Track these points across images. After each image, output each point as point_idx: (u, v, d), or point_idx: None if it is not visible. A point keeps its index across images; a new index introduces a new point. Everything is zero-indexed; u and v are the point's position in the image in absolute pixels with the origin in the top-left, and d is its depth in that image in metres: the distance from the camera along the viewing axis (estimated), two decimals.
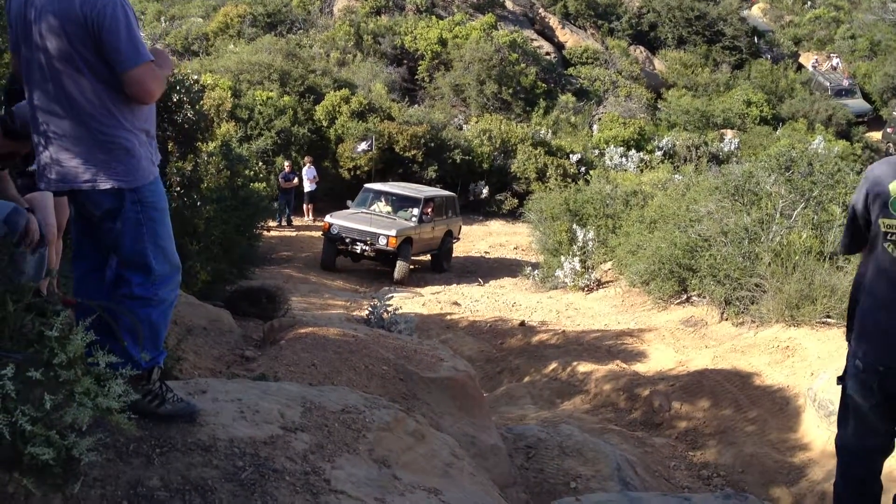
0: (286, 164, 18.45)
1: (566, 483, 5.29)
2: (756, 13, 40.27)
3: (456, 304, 13.01)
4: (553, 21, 32.56)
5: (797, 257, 9.44)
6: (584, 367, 8.94)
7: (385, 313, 7.98)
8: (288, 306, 8.23)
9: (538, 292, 14.16)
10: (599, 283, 13.71)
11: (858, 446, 2.99)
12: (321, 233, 15.55)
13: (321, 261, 15.31)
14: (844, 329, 3.24)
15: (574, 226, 14.82)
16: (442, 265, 16.27)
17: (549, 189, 19.92)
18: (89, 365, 2.22)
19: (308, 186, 18.67)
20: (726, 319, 10.20)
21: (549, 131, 24.88)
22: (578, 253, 14.09)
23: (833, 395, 6.56)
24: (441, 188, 18.55)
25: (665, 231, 12.00)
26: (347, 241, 14.58)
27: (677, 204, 12.85)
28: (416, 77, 27.42)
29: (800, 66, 35.68)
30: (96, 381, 2.21)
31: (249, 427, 2.87)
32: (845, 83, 33.12)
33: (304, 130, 20.15)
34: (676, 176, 18.15)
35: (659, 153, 24.80)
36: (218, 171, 9.04)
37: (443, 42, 27.35)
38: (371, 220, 14.73)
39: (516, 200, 21.28)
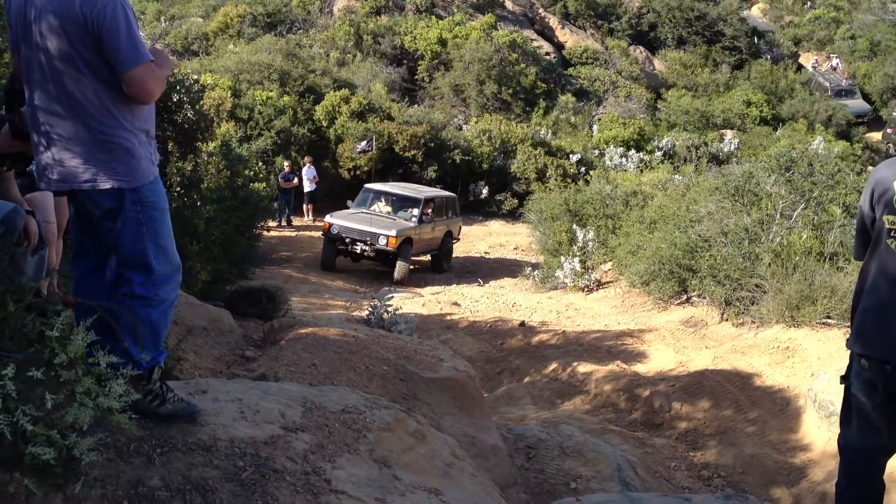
0: (286, 164, 18.45)
1: (566, 483, 5.29)
2: (756, 13, 40.29)
3: (456, 304, 13.01)
4: (553, 21, 32.57)
5: (797, 258, 9.44)
6: (584, 368, 8.94)
7: (385, 313, 7.98)
8: (288, 306, 8.23)
9: (538, 293, 14.16)
10: (599, 284, 13.71)
11: (861, 446, 2.99)
12: (321, 233, 15.55)
13: (321, 261, 15.31)
14: (847, 330, 3.24)
15: (574, 226, 14.82)
16: (442, 265, 16.27)
17: (549, 189, 19.93)
18: (90, 365, 2.22)
19: (308, 186, 18.67)
20: (726, 320, 10.20)
21: (549, 131, 24.88)
22: (578, 253, 14.09)
23: (834, 395, 6.56)
24: (441, 188, 18.55)
25: (665, 231, 12.00)
26: (347, 241, 14.58)
27: (677, 204, 12.85)
28: (416, 77, 27.43)
29: (800, 67, 35.69)
30: (97, 380, 2.21)
31: (250, 427, 2.87)
32: (845, 83, 33.13)
33: (304, 130, 20.15)
34: (676, 176, 18.15)
35: (659, 153, 24.80)
36: (218, 171, 9.04)
37: (442, 42, 27.36)
38: (371, 221, 14.73)
39: (516, 201, 21.28)
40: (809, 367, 7.76)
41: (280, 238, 17.13)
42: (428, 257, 16.26)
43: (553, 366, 9.26)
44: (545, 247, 15.78)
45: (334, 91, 21.64)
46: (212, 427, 2.78)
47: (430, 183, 19.69)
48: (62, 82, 2.57)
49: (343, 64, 25.99)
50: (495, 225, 21.25)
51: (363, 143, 19.32)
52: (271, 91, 20.69)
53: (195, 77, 9.03)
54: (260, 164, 16.35)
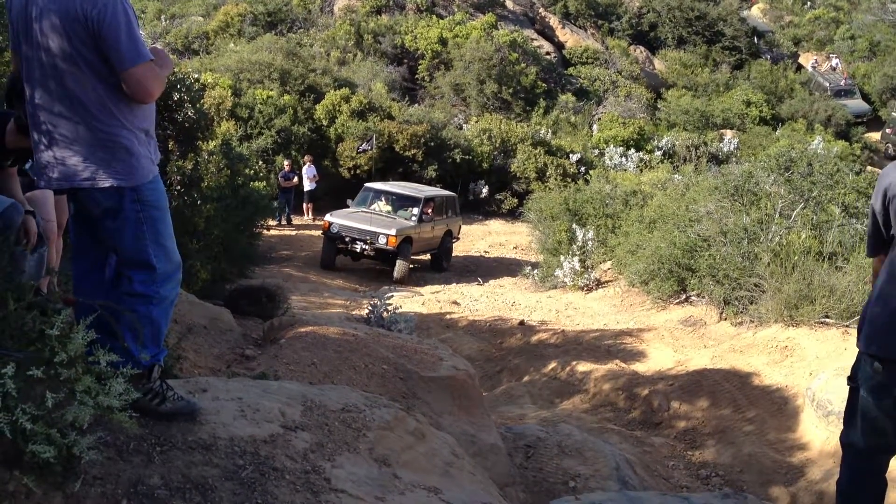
0: (286, 163, 18.45)
1: (565, 482, 5.30)
2: (756, 13, 40.27)
3: (455, 303, 13.02)
4: (553, 21, 32.56)
5: (796, 257, 9.45)
6: (583, 367, 8.95)
7: (385, 312, 7.98)
8: (288, 305, 8.23)
9: (537, 292, 14.17)
10: (599, 283, 13.72)
11: (865, 446, 2.99)
12: (321, 232, 15.56)
13: (321, 260, 15.31)
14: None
15: (573, 225, 14.82)
16: (441, 264, 16.27)
17: (549, 189, 19.93)
18: (90, 363, 2.23)
19: (308, 185, 18.67)
20: (725, 319, 10.21)
21: (549, 131, 24.88)
22: (578, 252, 14.10)
23: (832, 394, 6.58)
24: (441, 187, 18.55)
25: (664, 231, 12.01)
26: (347, 240, 14.58)
27: (677, 204, 12.86)
28: (417, 76, 27.42)
29: (799, 67, 35.68)
30: (97, 379, 2.22)
31: (250, 426, 2.88)
32: (844, 84, 33.12)
33: (305, 129, 20.15)
34: (676, 176, 18.14)
35: (658, 153, 24.80)
36: (218, 169, 9.04)
37: (443, 41, 27.35)
38: (371, 220, 14.73)
39: (516, 200, 21.28)
40: (808, 366, 7.77)
41: (280, 237, 17.14)
42: (428, 256, 16.27)
43: (552, 365, 9.27)
44: (545, 246, 15.78)
45: (335, 90, 21.63)
46: (212, 426, 2.79)
47: (430, 182, 19.69)
48: (63, 81, 2.58)
49: (343, 63, 25.99)
50: (495, 224, 21.26)
51: (364, 143, 19.32)
52: (272, 90, 20.69)
53: (195, 76, 9.04)
54: (260, 163, 16.37)
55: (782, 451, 6.78)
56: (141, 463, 2.48)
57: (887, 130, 30.15)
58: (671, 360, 9.12)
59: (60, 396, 2.12)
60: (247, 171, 10.77)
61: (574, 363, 9.10)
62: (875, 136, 30.97)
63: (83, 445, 2.16)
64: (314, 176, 18.74)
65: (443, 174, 20.94)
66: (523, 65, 27.08)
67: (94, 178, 2.62)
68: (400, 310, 8.94)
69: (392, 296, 9.65)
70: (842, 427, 3.15)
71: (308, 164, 18.75)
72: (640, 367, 9.07)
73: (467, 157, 21.65)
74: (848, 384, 3.06)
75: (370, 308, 8.16)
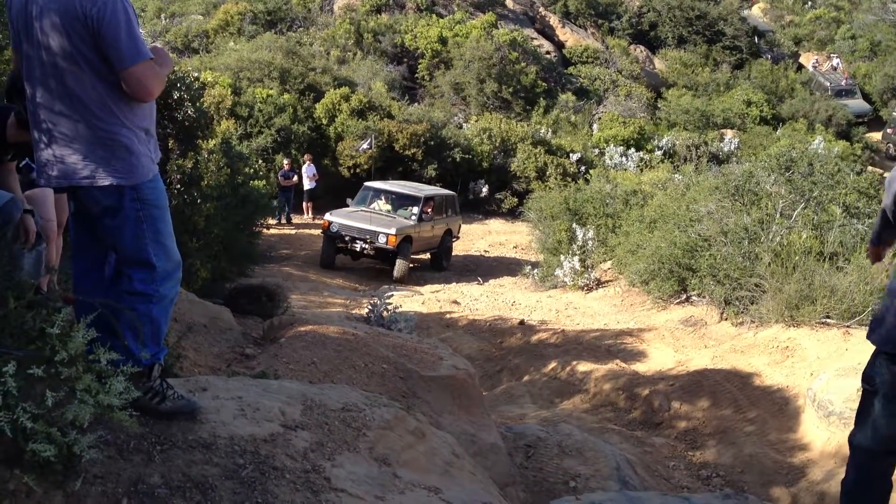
0: (286, 161, 18.44)
1: (565, 482, 5.29)
2: (756, 13, 40.27)
3: (455, 302, 13.01)
4: (553, 20, 32.56)
5: (797, 257, 9.44)
6: (583, 367, 8.94)
7: (385, 311, 7.98)
8: (287, 304, 8.23)
9: (538, 291, 14.17)
10: (599, 283, 13.72)
11: (875, 449, 2.98)
12: (321, 231, 15.54)
13: (321, 259, 15.30)
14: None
15: (574, 225, 14.82)
16: (441, 264, 16.26)
17: (549, 188, 19.93)
18: (90, 362, 2.22)
19: (308, 184, 18.66)
20: (726, 319, 10.21)
21: (549, 130, 24.88)
22: (578, 252, 14.09)
23: (833, 395, 6.57)
24: (441, 187, 18.54)
25: (665, 231, 12.00)
26: (347, 239, 14.57)
27: (677, 204, 12.86)
28: (417, 75, 27.42)
29: (800, 67, 35.69)
30: (97, 378, 2.21)
31: (250, 425, 2.87)
32: (845, 83, 33.12)
33: (304, 128, 20.14)
34: (676, 175, 18.14)
35: (659, 153, 24.80)
36: (218, 168, 9.03)
37: (443, 40, 27.35)
38: (371, 219, 14.73)
39: (516, 199, 21.28)
40: (809, 366, 7.77)
41: (280, 236, 17.13)
42: (427, 255, 16.26)
43: (552, 364, 9.27)
44: (545, 245, 15.78)
45: (334, 89, 21.63)
46: (212, 425, 2.78)
47: (429, 181, 19.68)
48: (63, 80, 2.57)
49: (343, 62, 25.99)
50: (495, 223, 21.26)
51: (363, 141, 19.31)
52: (271, 89, 20.68)
53: (195, 75, 9.04)
54: (260, 161, 16.35)
55: (783, 452, 6.78)
56: (141, 462, 2.47)
57: (888, 130, 30.16)
58: (672, 361, 9.12)
59: (61, 395, 2.11)
60: (247, 169, 10.76)
61: (574, 363, 9.09)
62: (876, 136, 30.99)
63: (83, 444, 2.15)
64: (314, 175, 18.74)
65: (443, 173, 20.94)
66: (523, 64, 27.08)
67: (93, 177, 2.61)
68: (400, 309, 8.94)
69: (392, 295, 9.65)
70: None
71: (308, 162, 18.74)
72: (640, 367, 9.06)
73: (467, 156, 21.65)
74: (863, 384, 3.04)
75: (370, 307, 8.16)
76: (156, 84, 2.63)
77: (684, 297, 11.34)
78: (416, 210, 15.30)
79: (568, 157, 22.97)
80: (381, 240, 14.31)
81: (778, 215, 10.37)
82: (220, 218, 8.46)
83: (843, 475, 3.16)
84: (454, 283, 14.87)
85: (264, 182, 13.83)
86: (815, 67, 35.39)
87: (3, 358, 2.06)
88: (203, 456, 2.59)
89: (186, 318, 5.76)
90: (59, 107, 2.59)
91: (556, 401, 8.39)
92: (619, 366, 8.97)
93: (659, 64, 33.56)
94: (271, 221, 15.73)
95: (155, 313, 2.73)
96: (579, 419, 7.54)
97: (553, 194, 17.45)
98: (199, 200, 7.96)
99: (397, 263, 14.59)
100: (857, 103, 32.35)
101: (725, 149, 25.47)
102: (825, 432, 6.57)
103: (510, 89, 26.14)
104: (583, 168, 22.48)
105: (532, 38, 30.06)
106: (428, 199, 15.66)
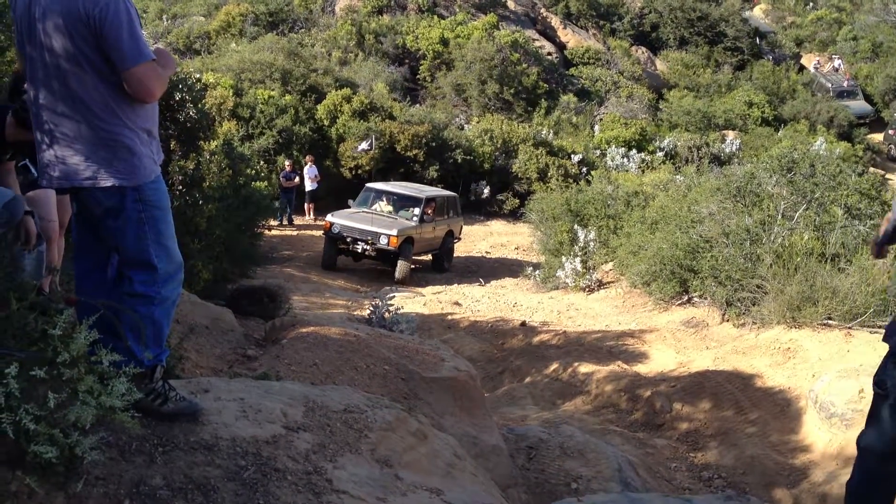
0: (287, 163, 18.45)
1: (567, 484, 5.29)
2: (758, 14, 40.27)
3: (457, 304, 13.01)
4: (555, 21, 32.56)
5: (799, 259, 9.43)
6: (585, 368, 8.94)
7: (386, 313, 7.98)
8: (289, 305, 8.23)
9: (539, 293, 14.16)
10: (601, 284, 13.71)
11: (885, 452, 2.97)
12: (322, 232, 15.55)
13: (322, 260, 15.30)
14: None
15: (575, 226, 14.81)
16: (443, 265, 16.26)
17: (551, 189, 19.91)
18: (92, 363, 2.22)
19: (309, 185, 18.67)
20: (727, 321, 10.20)
21: (551, 131, 24.87)
22: (580, 253, 14.09)
23: (835, 396, 6.57)
24: (442, 188, 18.54)
25: (666, 232, 11.99)
26: (349, 240, 14.57)
27: (679, 205, 12.85)
28: (418, 77, 27.43)
29: (801, 68, 35.67)
30: (99, 379, 2.22)
31: (252, 426, 2.87)
32: (847, 85, 33.11)
33: (306, 129, 20.15)
34: (678, 177, 18.13)
35: (660, 154, 24.80)
36: (220, 169, 9.03)
37: (444, 42, 27.36)
38: (372, 220, 14.73)
39: (517, 200, 21.26)
40: (810, 368, 7.76)
41: (281, 237, 17.14)
42: (429, 257, 16.26)
43: (554, 366, 9.26)
44: (546, 247, 15.77)
45: (336, 90, 21.64)
46: (214, 426, 2.78)
47: (431, 182, 19.68)
48: (66, 81, 2.58)
49: (345, 63, 26.01)
50: (496, 225, 21.25)
51: (365, 142, 19.30)
52: (273, 90, 20.69)
53: (197, 76, 9.04)
54: (262, 163, 16.37)
55: (785, 453, 6.77)
56: (143, 463, 2.47)
57: (890, 132, 30.14)
58: (673, 362, 9.11)
59: (63, 396, 2.12)
60: (248, 171, 10.75)
61: (576, 364, 9.09)
62: (878, 137, 30.97)
63: (85, 446, 2.15)
64: (315, 176, 18.74)
65: (444, 174, 20.94)
66: (525, 65, 27.08)
67: (95, 178, 2.61)
68: (401, 310, 8.93)
69: (393, 296, 9.64)
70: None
71: (309, 164, 18.75)
72: (642, 368, 9.06)
73: (469, 157, 21.65)
74: (874, 385, 3.03)
75: (372, 308, 8.16)
76: (157, 85, 2.63)
77: (686, 298, 11.34)
78: (417, 211, 15.30)
79: (569, 158, 22.96)
80: (383, 241, 14.31)
81: (780, 216, 10.36)
82: (222, 219, 8.45)
83: (845, 477, 3.16)
84: (456, 285, 14.86)
85: (266, 183, 13.84)
86: (816, 69, 35.37)
87: (6, 359, 2.06)
88: (205, 457, 2.59)
89: (188, 319, 5.77)
90: (61, 108, 2.60)
91: (557, 402, 8.38)
92: (620, 367, 8.96)
93: (660, 65, 33.55)
94: (273, 223, 15.73)
95: (157, 315, 2.73)
96: (581, 421, 7.54)
97: (554, 195, 17.44)
98: (200, 202, 7.96)
99: (399, 265, 14.59)
100: (859, 104, 32.33)
101: (727, 150, 25.46)
102: (827, 434, 6.57)
103: (511, 90, 26.14)
104: (584, 169, 22.47)
105: (533, 40, 30.06)
106: (429, 200, 15.66)
